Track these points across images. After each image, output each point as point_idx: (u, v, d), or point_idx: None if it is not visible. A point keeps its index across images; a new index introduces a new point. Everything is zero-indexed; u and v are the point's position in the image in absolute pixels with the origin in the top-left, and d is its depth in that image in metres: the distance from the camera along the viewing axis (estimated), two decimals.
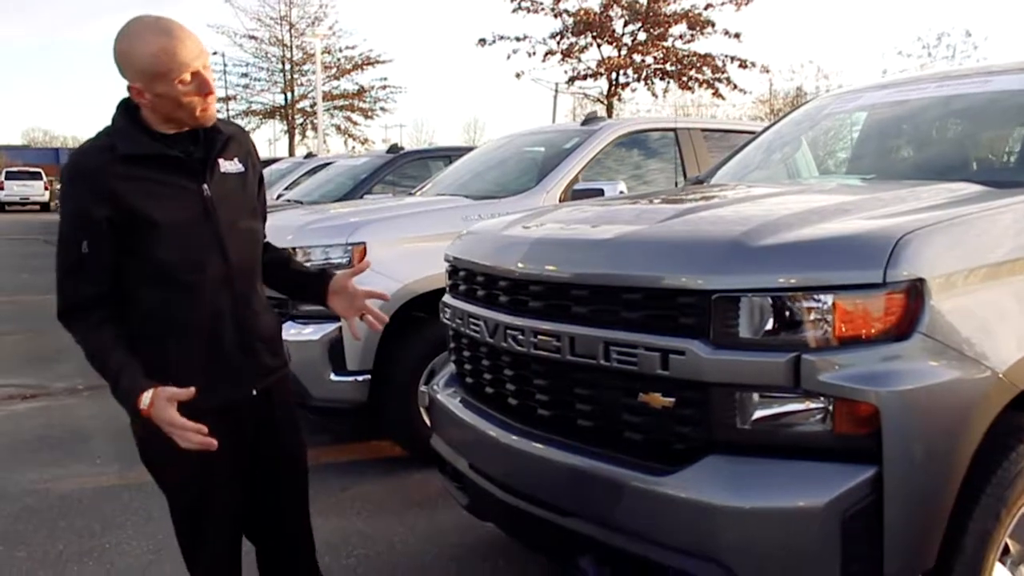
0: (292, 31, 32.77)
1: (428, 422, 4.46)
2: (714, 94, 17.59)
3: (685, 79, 17.63)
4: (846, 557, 1.85)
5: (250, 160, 2.22)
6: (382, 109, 33.36)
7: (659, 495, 2.03)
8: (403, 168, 8.95)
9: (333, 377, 4.42)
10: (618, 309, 2.15)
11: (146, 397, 1.90)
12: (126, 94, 2.01)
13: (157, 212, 1.97)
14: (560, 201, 5.15)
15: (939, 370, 1.89)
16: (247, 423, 2.18)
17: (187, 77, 1.94)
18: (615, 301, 2.16)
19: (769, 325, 1.93)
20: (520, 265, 2.45)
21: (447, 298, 3.01)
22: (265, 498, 2.29)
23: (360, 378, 4.46)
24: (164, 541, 3.65)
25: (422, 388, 4.55)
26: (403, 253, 4.61)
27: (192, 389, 1.92)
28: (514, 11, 17.54)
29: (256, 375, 2.18)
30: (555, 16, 17.72)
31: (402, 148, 9.39)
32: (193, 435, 1.89)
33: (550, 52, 18.06)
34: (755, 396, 1.95)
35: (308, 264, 4.42)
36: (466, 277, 2.86)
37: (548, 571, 3.25)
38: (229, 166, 2.14)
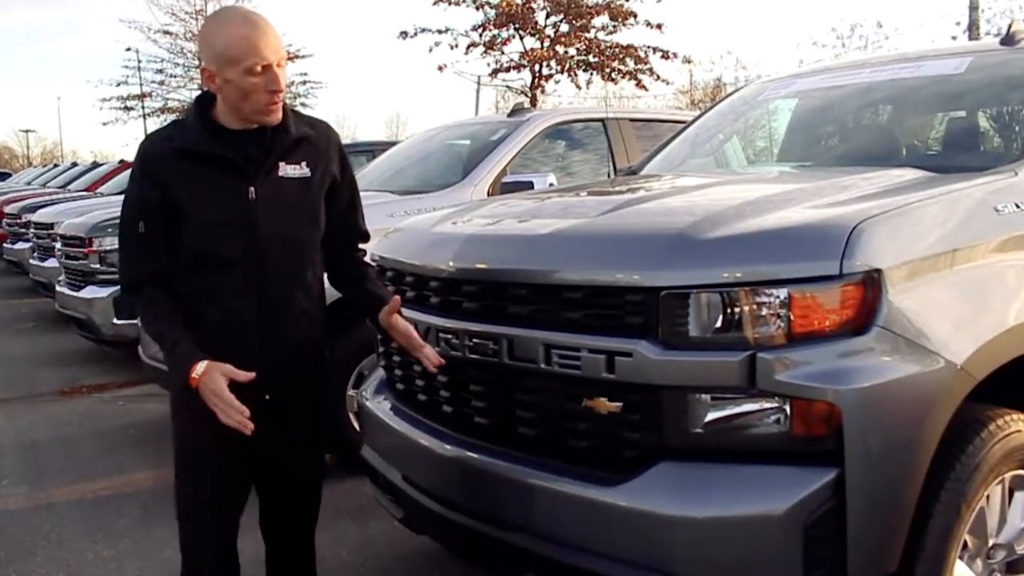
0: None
1: (357, 429, 4.35)
2: (637, 85, 17.68)
3: (608, 70, 17.65)
4: (808, 565, 1.75)
5: (323, 166, 2.17)
6: (303, 104, 32.67)
7: (607, 506, 1.90)
8: None
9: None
10: (559, 309, 2.01)
11: (200, 366, 1.96)
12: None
13: (195, 207, 2.02)
14: (489, 195, 5.01)
15: (899, 365, 1.80)
16: (256, 428, 2.04)
17: (259, 69, 1.97)
18: (555, 300, 2.02)
19: (721, 322, 1.82)
20: (451, 264, 2.29)
21: None
22: (273, 508, 2.34)
23: None
24: (77, 568, 3.41)
25: (350, 392, 4.36)
26: None
27: (252, 374, 1.98)
28: (435, 3, 17.31)
29: (272, 381, 2.10)
30: (477, 8, 17.55)
31: None
32: (236, 413, 1.93)
33: (472, 44, 17.89)
34: (707, 398, 1.84)
35: None
36: (394, 277, 2.69)
37: None
38: (291, 170, 2.11)
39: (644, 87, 17.93)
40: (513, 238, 2.24)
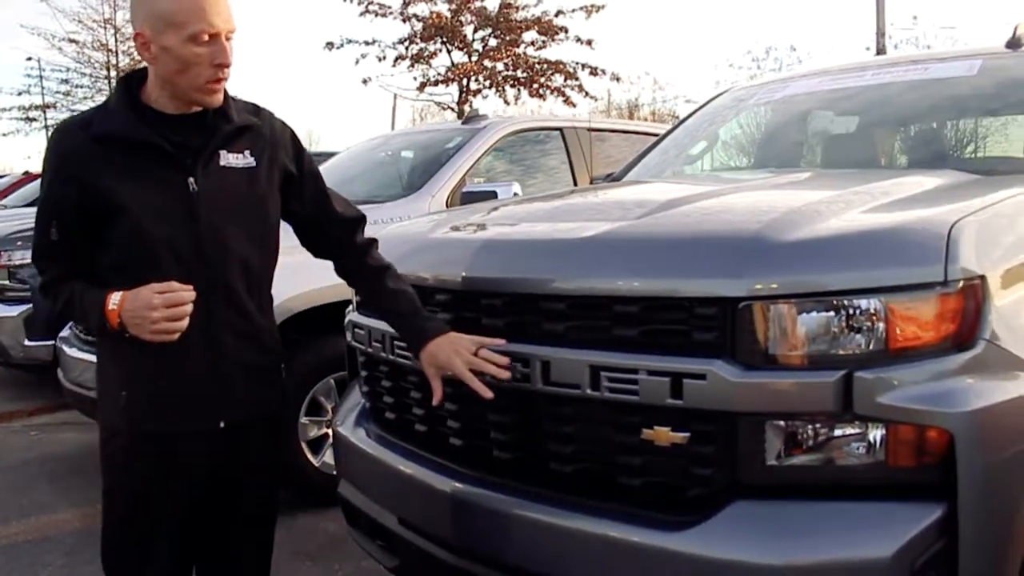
0: (117, 35, 30.51)
1: (312, 461, 3.98)
2: (565, 101, 17.62)
3: (536, 86, 17.54)
4: None
5: (269, 155, 1.93)
6: None
7: (673, 554, 1.62)
8: None
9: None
10: (609, 325, 1.73)
11: (116, 295, 1.73)
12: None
13: (125, 202, 1.76)
14: (447, 205, 4.71)
15: (1010, 383, 1.58)
16: (206, 458, 1.91)
17: (205, 37, 1.72)
18: (605, 315, 1.73)
19: (810, 338, 1.56)
20: (466, 274, 1.99)
21: (355, 316, 2.50)
22: (217, 552, 2.05)
23: None
24: None
25: (303, 420, 3.99)
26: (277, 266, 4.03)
27: (191, 288, 1.73)
28: (361, 14, 16.93)
29: (226, 406, 1.89)
30: (404, 20, 17.21)
31: None
32: (171, 323, 1.70)
33: (400, 57, 17.53)
34: (793, 426, 1.58)
35: None
36: None
37: None
38: (233, 159, 1.87)
39: (572, 103, 17.89)
40: (546, 243, 1.93)
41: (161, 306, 1.70)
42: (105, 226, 1.78)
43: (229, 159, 1.87)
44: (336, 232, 2.09)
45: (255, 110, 1.97)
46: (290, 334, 4.01)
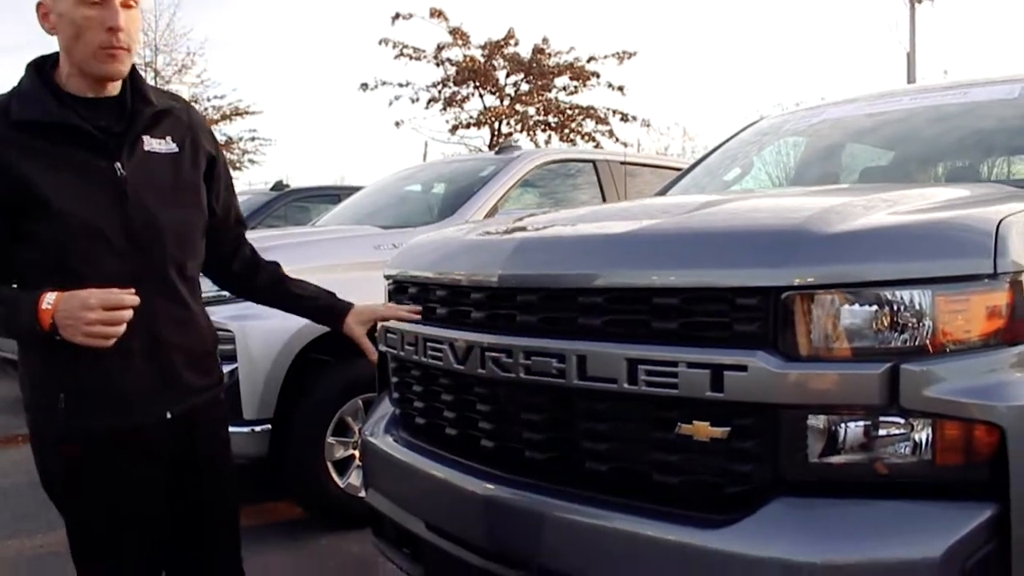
0: (158, 78, 31.32)
1: (338, 481, 3.95)
2: (595, 146, 17.69)
3: (567, 131, 17.66)
4: None
5: (191, 140, 1.89)
6: (251, 161, 32.20)
7: (713, 553, 1.57)
8: (289, 207, 8.32)
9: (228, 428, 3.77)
10: (647, 318, 1.70)
11: (51, 295, 1.62)
12: None
13: (53, 192, 1.67)
14: None
15: None
16: (158, 451, 1.85)
17: None
18: (642, 308, 1.71)
19: (855, 329, 1.53)
20: (503, 271, 1.98)
21: (388, 322, 2.49)
22: (185, 543, 1.98)
23: (259, 428, 3.83)
24: None
25: (330, 440, 3.97)
26: None
27: (132, 292, 1.65)
28: (396, 57, 17.19)
29: (172, 397, 1.83)
30: (437, 65, 17.46)
31: (287, 185, 8.73)
32: (107, 328, 1.61)
33: (433, 100, 17.76)
34: (837, 420, 1.54)
35: None
36: (417, 294, 2.36)
37: None
38: (157, 144, 1.82)
39: (602, 148, 17.95)
40: (582, 239, 1.92)
41: (98, 307, 1.61)
42: (27, 218, 1.69)
43: (153, 144, 1.82)
44: (237, 230, 2.11)
45: (172, 96, 1.93)
46: (315, 355, 4.03)
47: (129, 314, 1.64)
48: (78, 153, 1.71)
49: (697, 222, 1.84)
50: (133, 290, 1.66)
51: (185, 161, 1.88)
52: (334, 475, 3.97)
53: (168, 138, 1.85)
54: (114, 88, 1.80)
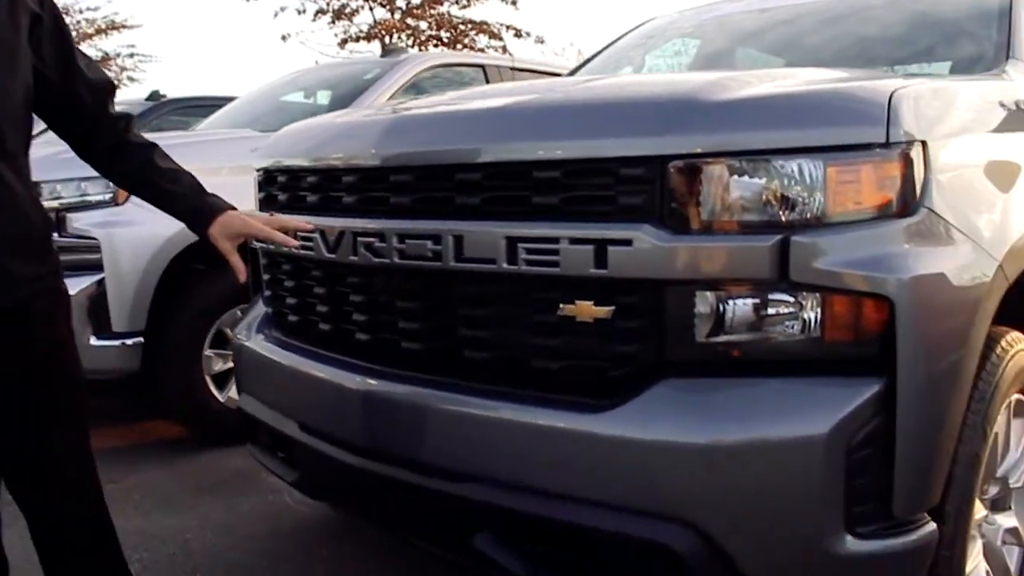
0: None
1: (217, 395, 3.77)
2: None
3: (460, 46, 17.21)
4: (850, 497, 1.42)
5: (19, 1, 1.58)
6: (130, 79, 30.33)
7: (596, 438, 1.50)
8: (165, 119, 7.81)
9: (94, 342, 3.52)
10: (528, 193, 1.59)
11: None
12: None
13: None
14: None
15: (947, 254, 1.50)
16: None
17: None
18: (522, 183, 1.59)
19: (744, 200, 1.45)
20: (375, 151, 1.82)
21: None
22: (27, 454, 1.72)
23: (129, 342, 3.58)
24: None
25: (207, 352, 3.77)
26: None
27: None
28: None
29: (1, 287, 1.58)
30: None
31: (163, 96, 8.17)
32: None
33: (321, 11, 17.00)
34: (725, 296, 1.47)
35: (59, 202, 3.53)
36: (286, 183, 2.17)
37: (391, 556, 2.64)
38: None
39: None
40: (460, 113, 1.78)
41: None
42: None
43: None
44: (85, 97, 1.75)
45: None
46: (192, 264, 3.80)
47: None
48: None
49: (581, 94, 1.72)
50: None
51: (2, 19, 1.58)
52: (213, 389, 3.79)
53: None
54: None
